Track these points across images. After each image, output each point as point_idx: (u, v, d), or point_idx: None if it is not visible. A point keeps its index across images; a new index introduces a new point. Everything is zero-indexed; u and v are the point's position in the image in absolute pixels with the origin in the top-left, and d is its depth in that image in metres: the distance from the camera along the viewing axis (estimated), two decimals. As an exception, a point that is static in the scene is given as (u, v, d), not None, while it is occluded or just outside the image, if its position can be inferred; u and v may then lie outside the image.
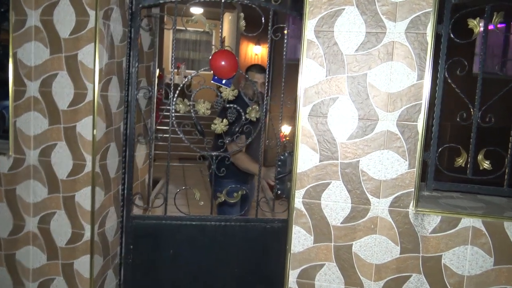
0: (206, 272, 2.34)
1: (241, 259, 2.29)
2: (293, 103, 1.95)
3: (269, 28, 2.27)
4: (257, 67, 3.21)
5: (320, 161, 1.88)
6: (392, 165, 1.82)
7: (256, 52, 9.20)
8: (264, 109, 2.77)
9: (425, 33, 1.77)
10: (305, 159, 1.89)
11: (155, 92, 2.65)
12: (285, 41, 2.26)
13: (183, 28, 2.32)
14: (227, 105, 2.25)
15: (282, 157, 2.23)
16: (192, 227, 2.33)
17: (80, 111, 2.24)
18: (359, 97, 1.83)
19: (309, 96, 1.87)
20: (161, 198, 2.46)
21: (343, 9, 1.82)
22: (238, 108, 2.25)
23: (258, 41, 9.17)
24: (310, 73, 1.87)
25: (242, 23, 2.32)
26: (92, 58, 2.20)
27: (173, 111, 2.32)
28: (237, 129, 2.29)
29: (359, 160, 1.85)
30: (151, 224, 2.40)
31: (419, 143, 1.80)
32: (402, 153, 1.81)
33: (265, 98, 2.44)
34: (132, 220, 2.45)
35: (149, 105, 2.71)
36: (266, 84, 2.58)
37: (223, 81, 2.18)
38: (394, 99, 1.80)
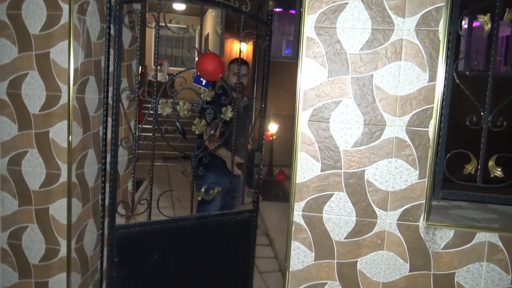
0: (191, 268, 2.38)
1: (219, 249, 2.45)
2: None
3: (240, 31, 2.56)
4: (239, 60, 3.28)
5: (322, 170, 1.70)
6: (401, 175, 1.66)
7: (241, 49, 8.99)
8: (248, 105, 3.31)
9: (437, 30, 1.60)
10: (305, 169, 1.71)
11: (138, 92, 2.44)
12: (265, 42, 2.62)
13: (166, 25, 2.19)
14: (205, 106, 2.31)
15: (249, 152, 2.48)
16: (177, 228, 2.31)
17: (53, 115, 2.02)
18: (365, 100, 1.66)
19: (309, 99, 1.70)
20: (146, 203, 2.27)
21: (347, 3, 1.65)
22: (214, 108, 2.31)
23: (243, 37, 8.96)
24: (310, 74, 1.69)
25: (218, 28, 2.59)
26: (66, 56, 1.98)
27: (156, 111, 2.18)
28: (212, 131, 2.40)
29: (364, 170, 1.68)
30: (136, 232, 2.23)
31: (430, 150, 1.64)
32: (411, 161, 1.65)
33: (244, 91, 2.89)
34: (116, 231, 2.24)
35: (131, 106, 2.50)
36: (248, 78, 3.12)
37: (203, 83, 2.25)
38: (403, 102, 1.64)
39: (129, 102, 2.51)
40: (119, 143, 2.27)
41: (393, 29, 1.63)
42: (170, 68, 13.18)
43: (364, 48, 1.65)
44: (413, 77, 1.63)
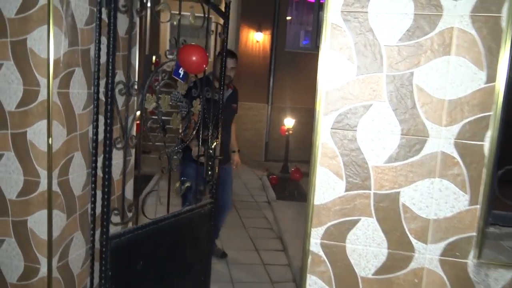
0: (172, 265, 2.42)
1: (187, 241, 2.53)
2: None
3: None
4: (228, 53, 3.37)
5: (346, 190, 1.38)
6: (446, 199, 1.32)
7: (257, 39, 8.63)
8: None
9: (500, 16, 1.25)
10: (326, 188, 1.39)
11: (146, 89, 2.13)
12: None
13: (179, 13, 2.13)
14: (179, 101, 2.28)
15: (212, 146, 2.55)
16: (157, 230, 2.25)
17: (31, 113, 1.73)
18: (402, 104, 1.32)
19: (333, 102, 1.36)
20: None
21: (382, -19, 1.30)
22: (187, 102, 2.31)
23: (259, 27, 8.60)
24: (334, 71, 1.35)
25: (191, 18, 2.25)
26: (45, 44, 1.68)
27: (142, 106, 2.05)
28: (184, 126, 2.39)
29: (399, 191, 1.35)
30: (127, 240, 2.05)
31: (485, 170, 1.29)
32: (460, 183, 1.31)
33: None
34: (110, 242, 1.98)
35: (128, 102, 2.20)
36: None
37: (180, 75, 2.21)
38: (452, 108, 1.30)
39: (126, 98, 2.21)
40: (113, 144, 2.00)
41: (442, 15, 1.28)
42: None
43: (404, 39, 1.31)
44: (466, 77, 1.28)
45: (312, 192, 1.40)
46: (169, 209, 2.35)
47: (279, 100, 8.89)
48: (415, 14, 1.29)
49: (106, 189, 2.01)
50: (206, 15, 2.45)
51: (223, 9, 2.76)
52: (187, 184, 2.37)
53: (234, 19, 9.71)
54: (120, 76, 2.14)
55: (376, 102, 1.34)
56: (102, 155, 1.99)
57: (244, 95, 8.73)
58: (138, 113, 2.24)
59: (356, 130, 1.35)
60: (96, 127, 1.99)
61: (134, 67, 2.33)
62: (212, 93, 2.62)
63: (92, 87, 1.97)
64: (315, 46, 9.36)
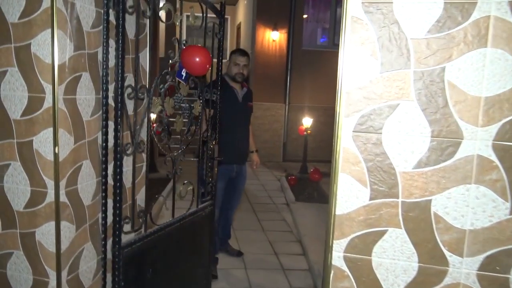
0: (176, 268, 2.42)
1: (190, 244, 2.58)
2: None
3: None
4: (240, 51, 3.58)
5: (371, 199, 1.25)
6: (484, 207, 1.19)
7: (273, 38, 8.52)
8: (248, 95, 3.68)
9: (542, 1, 1.11)
10: (349, 196, 1.27)
11: (152, 92, 2.08)
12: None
13: (180, 13, 2.16)
14: (182, 104, 2.32)
15: (211, 146, 2.61)
16: (165, 236, 2.26)
17: (36, 121, 1.66)
18: (433, 103, 1.19)
19: (354, 102, 1.24)
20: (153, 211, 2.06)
21: (407, -32, 1.18)
22: (187, 105, 2.34)
23: (275, 26, 8.48)
24: (356, 68, 1.23)
25: (192, 18, 2.24)
26: (50, 49, 1.61)
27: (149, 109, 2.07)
28: (187, 130, 2.38)
29: (431, 199, 1.22)
30: (138, 249, 2.04)
31: (528, 174, 1.16)
32: (500, 189, 1.17)
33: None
34: (122, 252, 1.93)
35: (139, 107, 2.12)
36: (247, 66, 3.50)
37: (183, 77, 2.21)
38: (489, 107, 1.16)
39: (135, 102, 2.13)
40: (123, 150, 1.93)
41: (476, 2, 1.15)
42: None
43: (433, 31, 1.18)
44: (505, 71, 1.14)
45: (333, 201, 1.28)
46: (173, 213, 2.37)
47: (296, 99, 8.76)
48: (445, 2, 1.16)
49: (117, 198, 1.95)
50: (205, 15, 2.41)
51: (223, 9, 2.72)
52: (190, 187, 2.39)
53: (249, 18, 9.63)
54: (130, 80, 2.06)
55: (403, 102, 1.21)
56: (113, 163, 1.92)
57: (261, 96, 8.68)
58: (153, 116, 2.22)
59: (381, 133, 1.23)
60: (105, 134, 1.92)
61: (145, 70, 2.25)
62: (216, 94, 2.66)
63: (101, 92, 1.89)
64: (333, 44, 9.19)
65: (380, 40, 1.21)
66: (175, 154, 2.28)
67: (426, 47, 1.19)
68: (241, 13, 12.23)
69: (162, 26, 8.38)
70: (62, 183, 1.69)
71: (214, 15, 2.64)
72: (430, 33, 1.18)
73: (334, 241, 1.29)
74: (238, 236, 4.53)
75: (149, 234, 2.12)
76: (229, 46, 13.72)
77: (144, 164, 2.21)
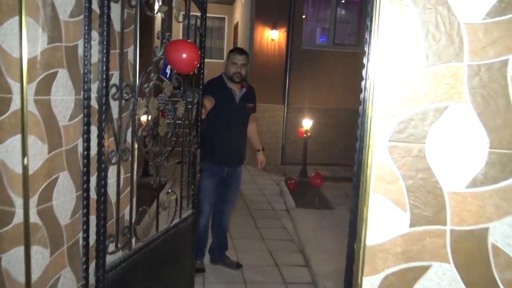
0: (159, 283, 2.25)
1: (175, 254, 2.41)
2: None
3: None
4: (238, 49, 3.44)
5: (412, 225, 1.00)
6: (558, 238, 0.94)
7: (272, 37, 8.26)
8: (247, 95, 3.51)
9: None
10: (383, 222, 1.01)
11: (136, 91, 1.84)
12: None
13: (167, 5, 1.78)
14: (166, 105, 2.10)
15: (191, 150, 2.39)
16: (149, 251, 2.05)
17: (2, 127, 1.40)
18: (492, 106, 0.94)
19: (391, 104, 0.99)
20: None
21: None
22: (171, 106, 2.14)
23: (274, 25, 8.23)
24: (393, 61, 0.98)
25: (176, 10, 2.04)
26: (17, 41, 1.35)
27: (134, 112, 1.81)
28: (170, 134, 2.18)
29: (488, 228, 0.97)
30: (122, 270, 1.82)
31: None
32: None
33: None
34: (106, 277, 1.68)
35: (126, 110, 1.86)
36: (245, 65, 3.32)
37: (167, 75, 2.05)
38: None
39: (125, 103, 1.87)
40: (108, 158, 1.69)
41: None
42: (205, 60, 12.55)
43: (493, 14, 0.93)
44: None
45: (363, 229, 1.02)
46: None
47: (295, 100, 8.50)
48: (508, -22, 0.92)
49: (102, 214, 1.69)
50: (188, 6, 2.18)
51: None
52: (173, 197, 2.22)
53: (248, 17, 9.38)
54: (115, 78, 1.80)
55: (453, 103, 0.96)
56: (96, 174, 1.66)
57: (259, 97, 8.30)
58: (144, 118, 1.99)
59: (424, 143, 0.98)
60: (87, 140, 1.66)
61: (134, 67, 1.99)
62: (198, 95, 2.45)
63: (82, 92, 1.63)
64: (333, 43, 8.96)
65: (425, 25, 0.96)
66: (157, 160, 2.05)
67: (483, 34, 0.93)
68: (239, 12, 11.98)
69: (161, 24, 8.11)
70: (33, 200, 1.43)
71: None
72: (490, 16, 0.93)
73: (363, 278, 1.03)
74: (236, 245, 4.26)
75: (133, 253, 1.88)
76: (226, 45, 13.47)
77: (130, 174, 1.94)
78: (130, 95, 1.81)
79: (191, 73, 2.22)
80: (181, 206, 2.38)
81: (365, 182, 1.01)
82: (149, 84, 1.91)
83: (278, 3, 8.24)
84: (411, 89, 0.97)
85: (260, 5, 8.28)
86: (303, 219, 5.14)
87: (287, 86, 8.43)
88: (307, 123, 7.18)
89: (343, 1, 9.22)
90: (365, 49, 1.20)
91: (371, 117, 1.00)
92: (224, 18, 13.95)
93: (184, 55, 1.94)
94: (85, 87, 1.63)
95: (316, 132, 7.84)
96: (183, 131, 2.29)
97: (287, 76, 8.41)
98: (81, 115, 1.64)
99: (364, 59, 1.18)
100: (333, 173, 7.27)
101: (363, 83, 1.21)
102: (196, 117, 2.47)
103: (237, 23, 12.25)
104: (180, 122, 2.26)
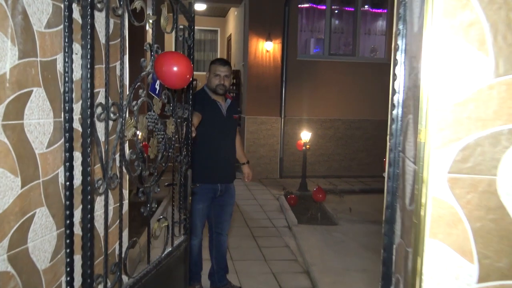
0: None
1: (166, 284, 2.21)
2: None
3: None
4: (220, 60, 3.23)
5: (481, 280, 0.78)
6: None
7: (267, 48, 8.10)
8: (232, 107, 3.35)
9: None
10: (443, 275, 0.79)
11: (125, 110, 1.63)
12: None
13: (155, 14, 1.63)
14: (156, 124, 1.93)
15: (181, 171, 2.22)
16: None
17: (-36, 158, 1.17)
18: None
19: (450, 125, 0.77)
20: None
21: None
22: (161, 126, 1.96)
23: (268, 36, 8.07)
24: (449, 71, 0.77)
25: (163, 19, 1.86)
26: (-20, 55, 1.12)
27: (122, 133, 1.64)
28: (161, 156, 1.96)
29: None
30: None
31: None
32: None
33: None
34: None
35: (113, 132, 1.64)
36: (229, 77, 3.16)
37: (156, 91, 1.91)
38: None
39: (113, 124, 1.65)
40: (95, 188, 1.47)
41: None
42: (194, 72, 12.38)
43: None
44: None
45: (418, 284, 0.80)
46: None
47: (292, 112, 8.32)
48: None
49: (89, 252, 1.46)
50: (176, 17, 2.02)
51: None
52: (165, 224, 2.06)
53: (242, 28, 9.22)
54: (102, 96, 1.59)
55: (532, 124, 0.75)
56: (81, 206, 1.43)
57: (255, 109, 8.21)
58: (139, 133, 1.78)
59: (495, 175, 0.76)
60: (69, 169, 1.43)
61: (124, 84, 1.78)
62: (188, 111, 2.26)
63: (62, 114, 1.41)
64: (328, 54, 8.82)
65: (494, 26, 0.74)
66: (146, 185, 1.85)
67: None
68: (232, 25, 11.85)
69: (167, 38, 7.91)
70: (3, 246, 1.19)
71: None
72: None
73: None
74: (237, 268, 4.01)
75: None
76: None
77: (119, 204, 1.71)
78: (118, 114, 1.60)
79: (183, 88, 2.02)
80: (172, 233, 2.17)
81: (419, 225, 0.79)
82: (138, 101, 1.70)
83: (272, 14, 8.10)
84: (476, 106, 0.76)
85: (254, 17, 8.13)
86: (306, 236, 4.90)
87: (283, 97, 8.26)
88: (305, 136, 6.98)
89: (336, 12, 9.11)
90: (397, 57, 1.00)
91: (424, 143, 0.78)
92: (216, 31, 13.83)
93: (176, 69, 1.74)
94: (66, 108, 1.41)
95: (314, 144, 7.65)
96: (174, 151, 2.09)
97: (283, 87, 8.23)
98: (62, 140, 1.42)
99: (396, 69, 0.98)
100: (333, 185, 7.05)
101: (395, 97, 1.00)
102: (186, 134, 2.27)
103: (230, 35, 12.11)
104: (171, 140, 2.07)
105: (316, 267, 3.99)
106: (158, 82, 1.93)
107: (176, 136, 2.14)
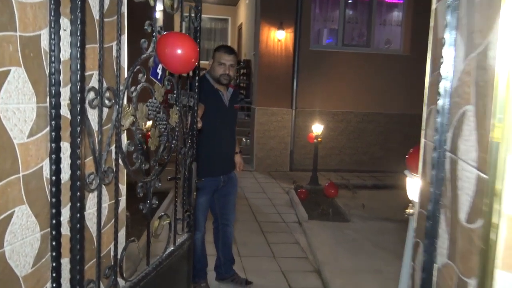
0: None
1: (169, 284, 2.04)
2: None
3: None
4: (225, 48, 3.05)
5: None
6: None
7: (279, 37, 7.86)
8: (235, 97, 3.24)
9: None
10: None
11: (122, 96, 1.47)
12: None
13: None
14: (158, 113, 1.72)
15: (185, 163, 2.02)
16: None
17: None
18: None
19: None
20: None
21: None
22: (163, 114, 1.77)
23: (281, 25, 7.83)
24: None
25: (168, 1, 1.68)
26: None
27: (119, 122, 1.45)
28: (163, 148, 1.79)
29: None
30: None
31: None
32: None
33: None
34: None
35: (108, 122, 1.47)
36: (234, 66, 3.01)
37: (158, 76, 1.75)
38: None
39: (108, 112, 1.48)
40: (85, 183, 1.30)
41: None
42: (201, 61, 12.21)
43: None
44: None
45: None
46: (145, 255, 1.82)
47: (304, 104, 8.10)
48: None
49: (78, 255, 1.29)
50: None
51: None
52: (166, 221, 1.91)
53: (253, 17, 8.98)
54: (95, 80, 1.40)
55: None
56: (69, 204, 1.26)
57: (266, 100, 7.99)
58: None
59: None
60: (56, 162, 1.25)
61: (122, 67, 1.60)
62: (193, 98, 2.08)
63: (47, 99, 1.23)
64: (342, 44, 8.56)
65: None
66: (146, 180, 1.68)
67: None
68: (243, 13, 11.61)
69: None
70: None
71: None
72: None
73: None
74: (245, 265, 3.85)
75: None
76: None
77: (115, 200, 1.53)
78: (113, 101, 1.42)
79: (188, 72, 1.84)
80: (175, 231, 2.01)
81: (487, 252, 0.60)
82: (137, 87, 1.52)
83: (285, 2, 7.84)
84: None
85: (266, 5, 7.89)
86: (317, 233, 4.73)
87: (294, 88, 8.03)
88: (317, 128, 6.76)
89: (350, 1, 8.82)
90: (445, 35, 0.80)
91: (499, 143, 0.58)
92: (227, 20, 13.61)
93: (180, 52, 1.56)
94: (53, 92, 1.22)
95: (325, 137, 7.44)
96: (177, 143, 1.91)
97: (295, 78, 8.01)
98: (47, 128, 1.24)
99: (443, 50, 0.78)
100: (345, 180, 6.84)
101: (441, 84, 0.80)
102: (191, 125, 2.08)
103: (241, 24, 11.88)
104: (174, 131, 1.89)
105: (327, 266, 3.82)
106: (160, 66, 1.76)
107: (181, 126, 1.97)
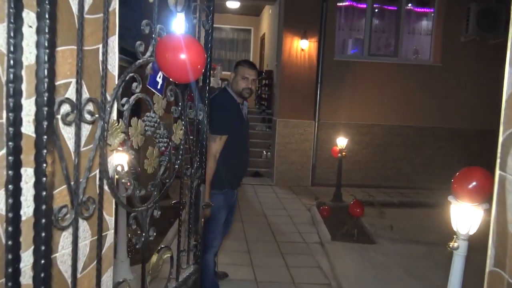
0: None
1: None
2: None
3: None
4: (249, 63, 3.15)
5: None
6: None
7: (302, 47, 7.58)
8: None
9: None
10: None
11: (110, 110, 1.20)
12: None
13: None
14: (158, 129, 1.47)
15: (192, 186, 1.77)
16: None
17: None
18: None
19: None
20: None
21: None
22: (164, 131, 1.51)
23: (304, 34, 7.55)
24: None
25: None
26: None
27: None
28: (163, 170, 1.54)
29: None
30: None
31: None
32: None
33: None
34: None
35: (90, 140, 1.20)
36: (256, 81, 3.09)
37: (158, 85, 1.50)
38: None
39: (92, 129, 1.21)
40: (56, 218, 1.04)
41: None
42: (223, 72, 12.08)
43: None
44: None
45: None
46: None
47: (327, 116, 7.76)
48: None
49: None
50: None
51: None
52: (168, 254, 1.67)
53: (276, 27, 8.74)
54: (71, 92, 1.13)
55: None
56: (32, 248, 1.00)
57: (288, 112, 7.69)
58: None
59: None
60: (13, 194, 0.98)
61: (112, 74, 1.33)
62: (202, 112, 1.83)
63: (4, 113, 0.96)
64: (368, 54, 8.22)
65: None
66: (141, 208, 1.41)
67: None
68: (265, 23, 11.41)
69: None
70: None
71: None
72: None
73: None
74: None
75: None
76: (252, 58, 12.94)
77: (110, 232, 1.26)
78: (97, 115, 1.15)
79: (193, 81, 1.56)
80: (178, 265, 1.73)
81: None
82: (129, 99, 1.25)
83: (309, 11, 7.57)
84: None
85: (290, 13, 7.63)
86: (341, 256, 4.36)
87: (318, 100, 7.71)
88: (342, 141, 6.41)
89: (377, 10, 8.49)
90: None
91: None
92: (250, 30, 13.45)
93: (183, 57, 1.29)
94: (11, 105, 0.96)
95: (349, 150, 7.07)
96: (181, 163, 1.64)
97: (318, 89, 7.69)
98: (4, 150, 0.97)
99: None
100: (370, 196, 6.43)
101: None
102: (200, 141, 1.81)
103: (263, 35, 11.69)
104: (179, 150, 1.62)
105: (354, 295, 3.45)
106: (160, 74, 1.50)
107: (186, 144, 1.69)
